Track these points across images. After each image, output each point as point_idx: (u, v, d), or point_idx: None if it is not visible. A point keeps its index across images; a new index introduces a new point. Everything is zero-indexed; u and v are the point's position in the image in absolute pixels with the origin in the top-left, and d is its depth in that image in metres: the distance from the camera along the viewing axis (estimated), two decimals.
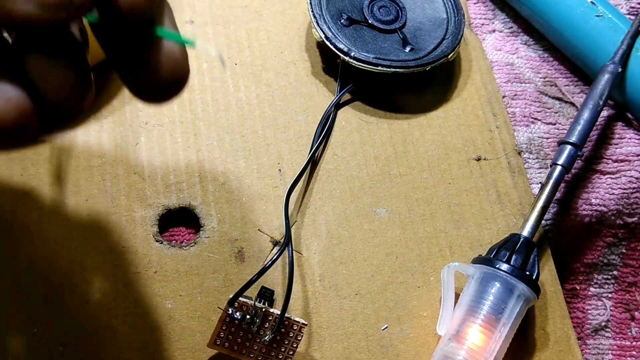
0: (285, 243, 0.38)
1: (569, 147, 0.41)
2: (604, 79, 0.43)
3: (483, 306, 0.37)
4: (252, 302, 0.36)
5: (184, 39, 0.23)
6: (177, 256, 0.39)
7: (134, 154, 0.41)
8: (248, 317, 0.35)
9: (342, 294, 0.39)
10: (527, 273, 0.38)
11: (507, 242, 0.39)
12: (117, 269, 0.38)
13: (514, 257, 0.38)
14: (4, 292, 0.37)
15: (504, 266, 0.37)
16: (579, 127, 0.42)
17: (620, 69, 0.43)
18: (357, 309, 0.39)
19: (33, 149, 0.41)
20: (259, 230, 0.40)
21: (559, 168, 0.41)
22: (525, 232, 0.39)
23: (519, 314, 0.38)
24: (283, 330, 0.36)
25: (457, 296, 0.39)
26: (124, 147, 0.41)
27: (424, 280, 0.40)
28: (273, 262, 0.37)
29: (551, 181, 0.40)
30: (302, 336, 0.36)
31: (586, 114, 0.42)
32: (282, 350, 0.36)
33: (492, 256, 0.39)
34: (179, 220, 0.41)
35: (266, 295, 0.37)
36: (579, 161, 0.45)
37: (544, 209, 0.40)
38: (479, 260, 0.39)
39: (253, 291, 0.37)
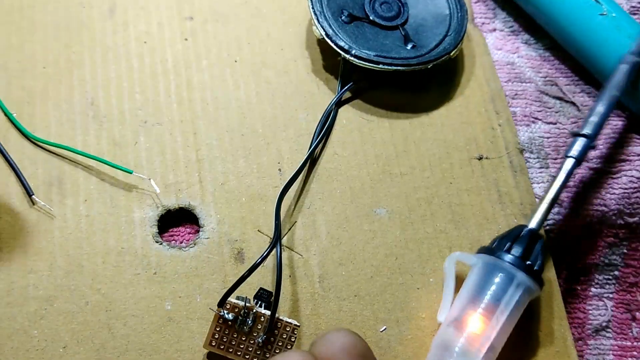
0: (274, 241, 0.38)
1: (581, 139, 0.40)
2: (622, 69, 0.42)
3: (483, 294, 0.37)
4: (243, 302, 0.35)
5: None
6: (176, 257, 0.39)
7: (132, 153, 0.41)
8: (240, 317, 0.35)
9: (341, 295, 0.39)
10: (529, 263, 0.37)
11: (511, 232, 0.39)
12: (116, 270, 0.38)
13: (515, 247, 0.38)
14: (1, 293, 0.37)
15: (505, 255, 0.37)
16: (593, 119, 0.40)
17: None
18: (356, 310, 0.39)
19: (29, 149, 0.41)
20: (258, 230, 0.40)
21: (571, 160, 0.40)
22: (532, 224, 0.39)
23: (519, 303, 0.37)
24: (276, 332, 0.36)
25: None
26: (122, 147, 0.41)
27: (423, 282, 0.40)
28: (262, 259, 0.36)
29: (562, 173, 0.39)
30: (295, 337, 0.36)
31: (601, 106, 0.41)
32: (277, 351, 0.36)
33: (494, 246, 0.39)
34: (178, 221, 0.41)
35: (263, 296, 0.37)
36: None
37: (554, 201, 0.39)
38: (481, 250, 0.39)
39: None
